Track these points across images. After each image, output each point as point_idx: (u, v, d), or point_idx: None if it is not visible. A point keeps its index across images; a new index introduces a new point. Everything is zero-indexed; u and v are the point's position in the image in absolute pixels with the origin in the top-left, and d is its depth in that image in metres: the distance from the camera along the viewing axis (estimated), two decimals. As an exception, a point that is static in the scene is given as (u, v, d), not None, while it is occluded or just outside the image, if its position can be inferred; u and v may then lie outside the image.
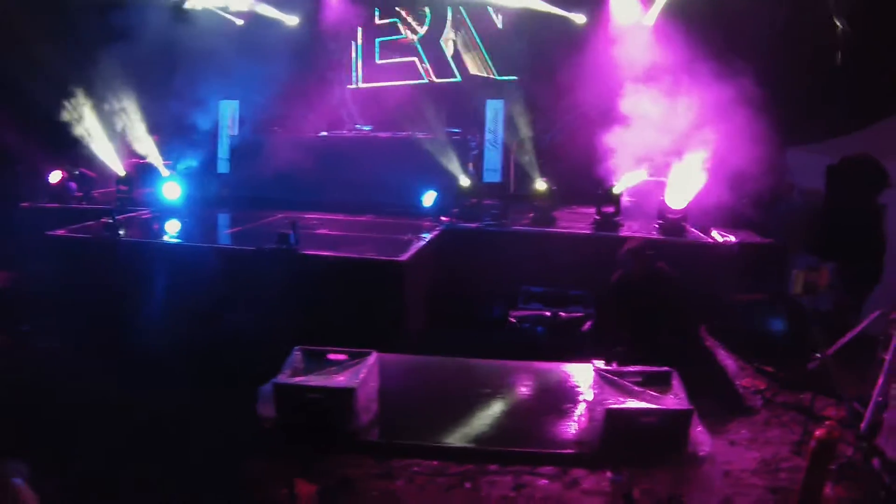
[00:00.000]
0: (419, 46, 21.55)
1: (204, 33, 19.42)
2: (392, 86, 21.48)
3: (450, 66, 21.35)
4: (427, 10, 21.36)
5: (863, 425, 9.08)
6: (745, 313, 13.21)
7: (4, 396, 10.34)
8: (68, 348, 12.03)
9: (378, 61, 22.01)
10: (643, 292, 11.09)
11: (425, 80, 21.45)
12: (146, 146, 18.23)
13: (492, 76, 20.96)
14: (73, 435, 9.32)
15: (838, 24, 14.38)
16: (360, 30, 21.93)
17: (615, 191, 15.12)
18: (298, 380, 9.55)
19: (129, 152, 18.09)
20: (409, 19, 21.53)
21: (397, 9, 21.66)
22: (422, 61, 21.53)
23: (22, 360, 12.10)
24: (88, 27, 17.75)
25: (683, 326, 11.96)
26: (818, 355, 10.69)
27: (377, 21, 21.90)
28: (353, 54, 22.12)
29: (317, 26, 21.11)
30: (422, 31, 21.49)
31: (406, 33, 21.68)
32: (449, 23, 21.22)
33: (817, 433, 8.05)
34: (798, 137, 15.85)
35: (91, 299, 12.62)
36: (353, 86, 22.16)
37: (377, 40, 21.91)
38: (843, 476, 8.61)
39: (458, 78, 21.24)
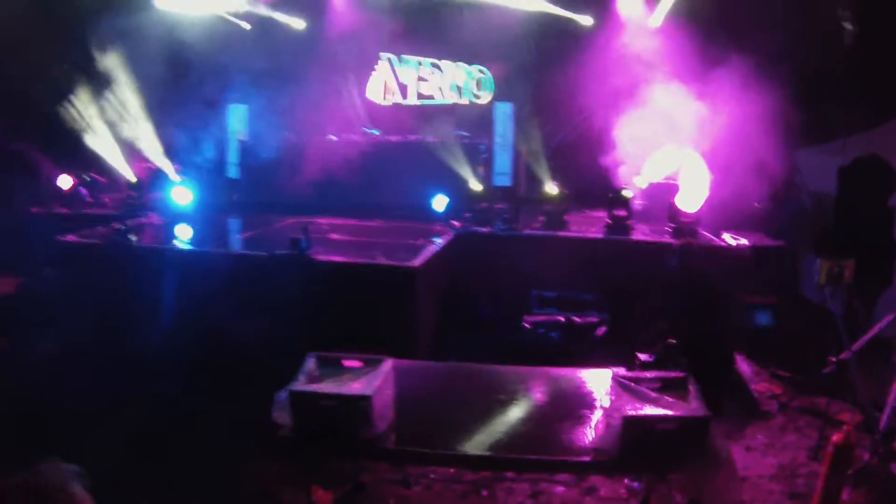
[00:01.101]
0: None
1: (212, 38, 19.47)
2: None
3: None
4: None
5: (880, 429, 9.09)
6: (757, 316, 13.20)
7: (11, 399, 10.39)
8: (77, 353, 12.05)
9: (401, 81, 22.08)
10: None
11: (448, 102, 21.52)
12: (156, 151, 18.21)
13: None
14: (82, 438, 9.34)
15: (846, 25, 14.36)
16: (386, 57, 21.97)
17: (626, 194, 15.08)
18: (314, 387, 9.52)
19: (139, 157, 18.08)
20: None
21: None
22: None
23: (27, 364, 12.13)
24: (97, 31, 17.76)
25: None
26: (834, 359, 10.68)
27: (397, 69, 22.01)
28: (388, 71, 22.07)
29: (325, 30, 21.01)
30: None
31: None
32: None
33: (834, 438, 8.04)
34: (808, 138, 15.84)
35: (103, 304, 12.61)
36: (390, 102, 22.08)
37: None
38: (861, 481, 8.62)
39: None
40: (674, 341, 10.21)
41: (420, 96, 21.77)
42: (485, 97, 21.09)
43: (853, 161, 14.62)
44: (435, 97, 21.64)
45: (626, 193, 15.07)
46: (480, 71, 21.15)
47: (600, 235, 14.60)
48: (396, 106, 21.70)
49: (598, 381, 10.30)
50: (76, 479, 3.10)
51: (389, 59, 21.77)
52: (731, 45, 14.87)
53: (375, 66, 21.83)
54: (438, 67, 21.55)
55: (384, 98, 21.91)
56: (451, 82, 21.41)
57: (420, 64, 21.66)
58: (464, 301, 13.70)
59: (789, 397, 11.30)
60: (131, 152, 17.96)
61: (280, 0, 20.93)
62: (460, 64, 21.32)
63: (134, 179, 17.32)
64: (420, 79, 21.74)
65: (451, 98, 21.45)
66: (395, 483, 8.89)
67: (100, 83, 17.69)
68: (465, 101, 21.34)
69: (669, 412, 8.95)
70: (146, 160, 18.26)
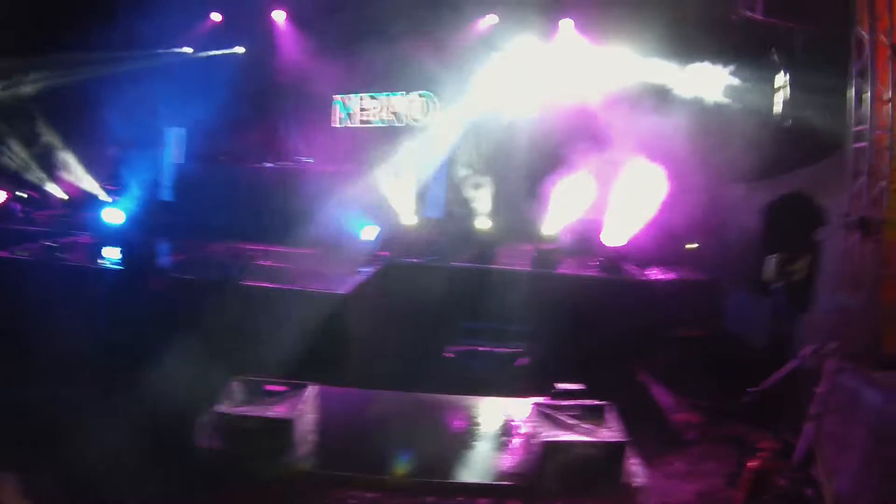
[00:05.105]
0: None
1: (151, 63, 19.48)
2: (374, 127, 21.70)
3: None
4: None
5: (796, 456, 9.21)
6: (683, 349, 13.30)
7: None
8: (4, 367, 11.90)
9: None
10: None
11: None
12: (90, 171, 18.11)
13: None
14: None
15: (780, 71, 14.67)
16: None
17: (555, 229, 15.20)
18: (237, 409, 9.49)
19: (73, 177, 17.97)
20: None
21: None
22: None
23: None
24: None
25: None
26: (753, 390, 10.82)
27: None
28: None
29: (265, 58, 21.07)
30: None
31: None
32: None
33: (750, 464, 8.17)
34: (737, 174, 16.04)
35: (30, 320, 12.45)
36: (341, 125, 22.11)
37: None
38: (777, 506, 8.71)
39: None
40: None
41: (363, 122, 21.89)
42: (423, 120, 21.13)
43: (780, 197, 14.80)
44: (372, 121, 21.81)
45: (555, 228, 15.19)
46: (420, 95, 21.23)
47: (528, 269, 14.58)
48: (333, 133, 21.67)
49: (518, 409, 10.40)
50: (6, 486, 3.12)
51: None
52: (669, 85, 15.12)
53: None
54: (376, 98, 21.66)
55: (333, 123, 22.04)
56: (389, 109, 21.59)
57: (361, 98, 21.82)
58: (392, 329, 13.66)
59: (709, 426, 11.40)
60: (65, 171, 17.87)
61: (222, 27, 20.97)
62: (399, 93, 21.45)
63: (67, 198, 17.22)
64: (362, 109, 21.90)
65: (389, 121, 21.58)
66: (318, 507, 8.83)
67: (39, 99, 17.64)
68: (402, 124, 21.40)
69: (587, 438, 9.05)
70: (80, 179, 18.14)
